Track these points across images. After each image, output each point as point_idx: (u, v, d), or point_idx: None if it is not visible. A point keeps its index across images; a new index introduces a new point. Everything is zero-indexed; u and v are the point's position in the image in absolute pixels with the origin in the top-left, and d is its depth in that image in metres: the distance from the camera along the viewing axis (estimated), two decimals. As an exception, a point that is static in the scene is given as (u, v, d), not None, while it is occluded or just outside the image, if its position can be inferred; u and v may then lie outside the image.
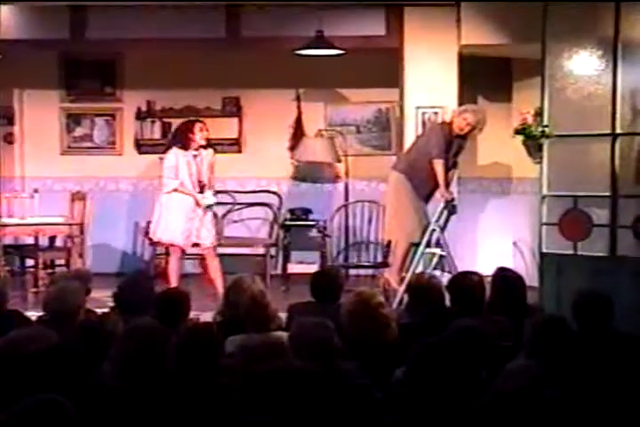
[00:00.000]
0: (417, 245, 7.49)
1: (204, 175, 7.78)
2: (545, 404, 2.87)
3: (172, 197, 7.77)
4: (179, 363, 3.69)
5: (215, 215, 8.16)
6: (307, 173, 9.68)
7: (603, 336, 4.42)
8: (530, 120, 7.44)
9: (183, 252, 7.91)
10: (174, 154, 7.77)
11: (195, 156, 7.78)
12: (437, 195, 7.55)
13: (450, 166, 7.58)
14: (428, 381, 3.14)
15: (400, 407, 3.18)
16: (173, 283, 7.66)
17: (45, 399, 2.89)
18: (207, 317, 5.80)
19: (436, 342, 3.36)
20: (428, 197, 7.62)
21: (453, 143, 7.55)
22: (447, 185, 7.50)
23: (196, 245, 7.84)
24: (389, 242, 7.96)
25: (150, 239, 8.73)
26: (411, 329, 4.67)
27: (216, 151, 8.02)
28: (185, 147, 7.77)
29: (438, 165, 7.40)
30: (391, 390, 3.50)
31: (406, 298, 5.87)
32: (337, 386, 3.14)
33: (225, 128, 9.43)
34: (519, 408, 2.80)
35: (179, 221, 7.74)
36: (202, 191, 7.76)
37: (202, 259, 8.05)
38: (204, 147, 7.83)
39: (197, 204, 7.73)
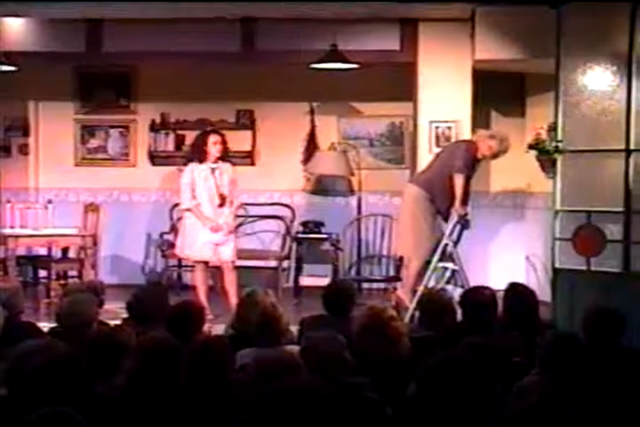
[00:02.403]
0: (429, 260, 7.48)
1: (224, 188, 7.72)
2: (557, 421, 2.86)
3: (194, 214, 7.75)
4: (190, 377, 3.69)
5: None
6: (320, 187, 9.69)
7: (614, 353, 4.41)
8: (543, 135, 7.44)
9: (207, 264, 7.87)
10: (190, 170, 7.72)
11: (213, 169, 7.73)
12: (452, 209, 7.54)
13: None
14: (440, 398, 3.13)
15: (412, 425, 3.17)
16: (202, 296, 7.64)
17: (55, 412, 2.90)
18: (219, 329, 5.81)
19: (447, 359, 3.35)
20: (448, 215, 7.55)
21: (476, 165, 7.55)
22: (465, 201, 7.46)
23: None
24: (402, 256, 7.95)
25: (162, 254, 8.80)
26: (422, 344, 4.66)
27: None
28: (201, 160, 7.72)
29: (459, 179, 7.35)
30: (404, 407, 3.48)
31: (417, 314, 5.86)
32: (347, 402, 3.14)
33: (238, 141, 9.44)
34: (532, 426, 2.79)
35: (204, 237, 7.70)
36: (222, 204, 7.70)
37: (217, 269, 7.98)
38: (223, 160, 7.78)
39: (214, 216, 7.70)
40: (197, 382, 3.67)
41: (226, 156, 7.82)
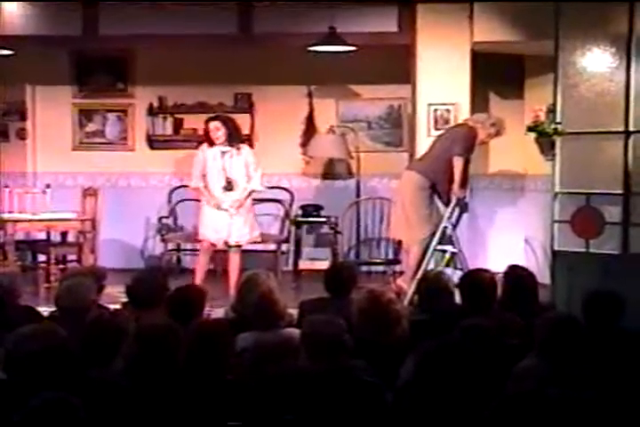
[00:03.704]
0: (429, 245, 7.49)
1: (233, 172, 7.73)
2: (555, 405, 2.86)
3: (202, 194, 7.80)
4: (190, 360, 3.69)
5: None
6: (318, 170, 9.68)
7: (613, 335, 4.41)
8: (542, 117, 7.43)
9: (212, 247, 7.87)
10: (201, 150, 7.83)
11: (223, 152, 7.75)
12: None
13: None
14: (438, 381, 3.13)
15: (409, 408, 3.17)
16: (199, 279, 7.67)
17: (54, 398, 2.90)
18: (219, 313, 5.81)
19: (445, 342, 3.35)
20: (449, 199, 7.55)
21: (473, 148, 7.56)
22: (464, 184, 7.47)
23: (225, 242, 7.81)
24: (400, 240, 7.95)
25: (162, 238, 8.85)
26: (420, 327, 4.66)
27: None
28: (210, 144, 7.78)
29: (458, 162, 7.38)
30: (398, 390, 3.48)
31: (416, 298, 5.86)
32: (347, 385, 3.13)
33: (237, 124, 9.43)
34: (530, 410, 2.79)
35: (210, 217, 7.74)
36: (229, 188, 7.72)
37: (223, 253, 8.01)
38: (233, 144, 7.78)
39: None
40: (196, 367, 3.67)
41: (236, 139, 7.82)
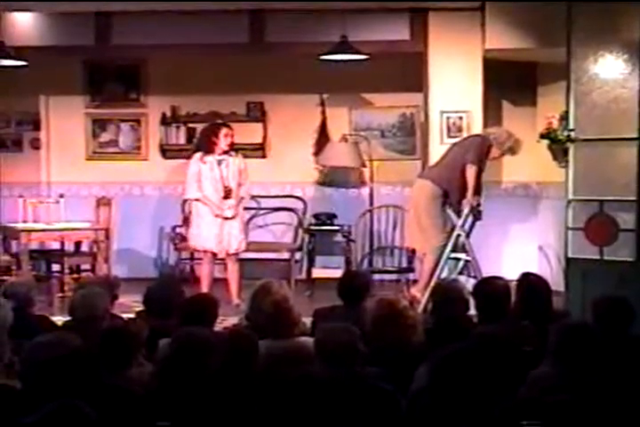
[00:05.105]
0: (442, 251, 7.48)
1: (230, 181, 7.78)
2: (567, 410, 2.85)
3: (201, 204, 7.81)
4: (221, 367, 3.70)
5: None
6: (331, 178, 9.68)
7: (625, 342, 4.38)
8: (555, 124, 7.41)
9: (214, 257, 7.93)
10: (196, 162, 7.83)
11: (219, 161, 7.79)
12: (464, 200, 7.53)
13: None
14: (452, 388, 3.12)
15: (423, 415, 3.17)
16: (205, 288, 7.70)
17: (66, 405, 2.91)
18: (233, 321, 5.81)
19: (459, 349, 3.34)
20: (460, 208, 7.56)
21: (486, 160, 7.56)
22: (478, 192, 7.47)
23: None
24: (414, 248, 7.95)
25: (175, 247, 8.85)
26: (434, 334, 4.65)
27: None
28: (208, 151, 7.79)
29: (471, 170, 7.40)
30: (412, 396, 3.47)
31: (430, 306, 5.85)
32: (361, 392, 3.13)
33: (249, 133, 9.46)
34: (542, 415, 2.78)
35: (210, 227, 7.76)
36: (227, 197, 7.76)
37: (224, 263, 8.06)
38: (229, 152, 7.83)
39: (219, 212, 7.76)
40: (227, 374, 3.67)
41: (231, 149, 7.88)
